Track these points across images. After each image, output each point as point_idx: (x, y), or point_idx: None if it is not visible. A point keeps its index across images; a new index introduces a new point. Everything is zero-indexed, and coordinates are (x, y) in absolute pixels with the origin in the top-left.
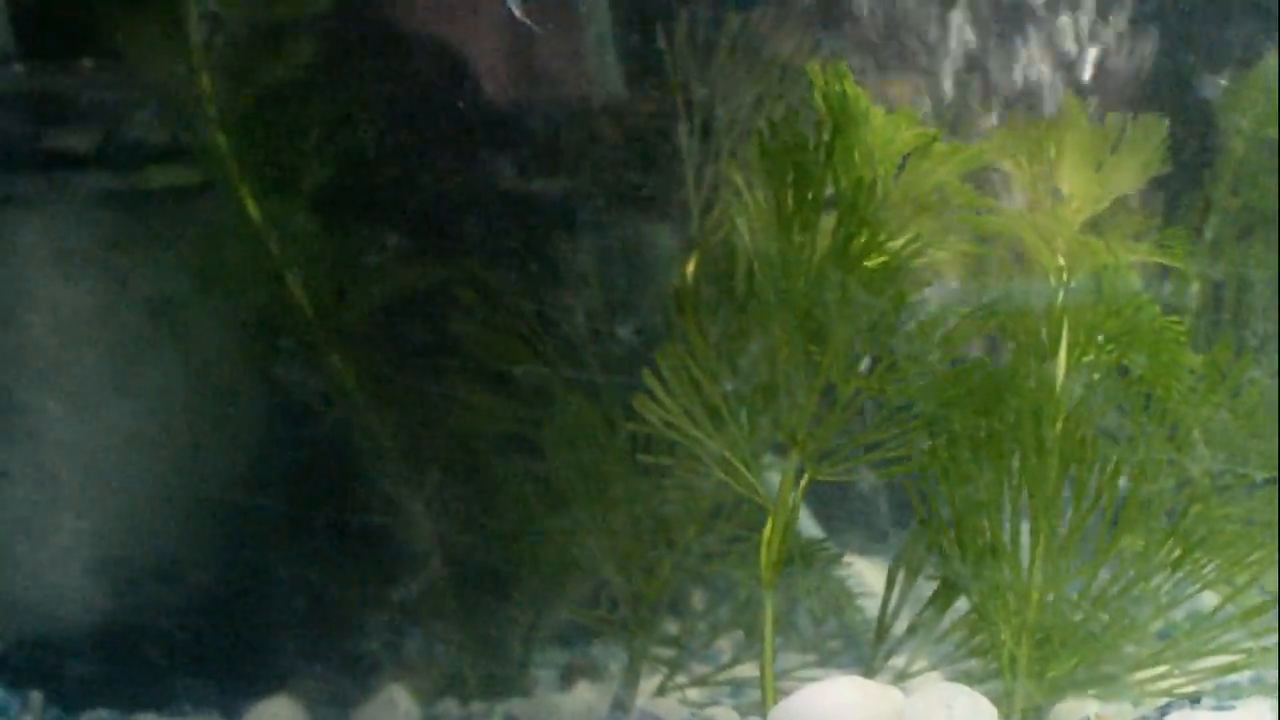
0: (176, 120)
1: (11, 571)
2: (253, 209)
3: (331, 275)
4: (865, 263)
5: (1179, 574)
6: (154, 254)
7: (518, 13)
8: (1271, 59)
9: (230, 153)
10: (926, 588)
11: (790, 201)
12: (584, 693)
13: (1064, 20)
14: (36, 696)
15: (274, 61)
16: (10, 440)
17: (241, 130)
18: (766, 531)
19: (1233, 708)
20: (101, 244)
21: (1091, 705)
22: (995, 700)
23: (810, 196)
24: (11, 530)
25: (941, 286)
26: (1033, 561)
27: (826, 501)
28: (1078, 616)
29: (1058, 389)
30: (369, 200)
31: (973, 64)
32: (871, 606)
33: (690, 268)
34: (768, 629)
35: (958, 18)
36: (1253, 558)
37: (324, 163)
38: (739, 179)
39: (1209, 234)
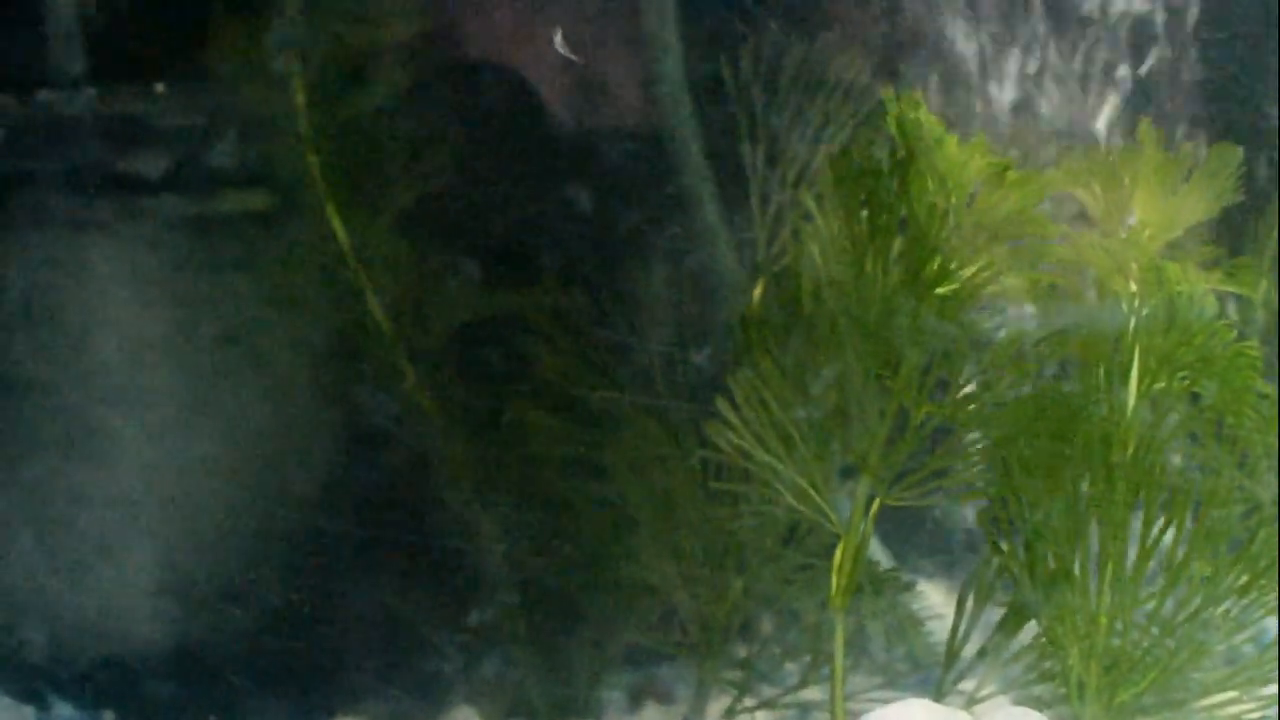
0: (260, 144)
1: (85, 593)
2: (339, 232)
3: (411, 299)
4: (937, 289)
5: (1246, 599)
6: (227, 278)
7: (559, 44)
8: None
9: (318, 176)
10: (996, 612)
11: (863, 228)
12: (652, 715)
13: (1130, 44)
14: (109, 716)
15: (362, 86)
16: (85, 463)
17: (330, 153)
18: (837, 556)
19: None
20: (174, 268)
21: None
22: None
23: (883, 223)
24: (86, 552)
25: (1012, 311)
26: (1101, 586)
27: (896, 526)
28: (1146, 642)
29: (1128, 415)
30: (449, 225)
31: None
32: (940, 630)
33: (758, 293)
34: (838, 653)
35: (1023, 42)
36: None
37: (406, 188)
38: (811, 204)
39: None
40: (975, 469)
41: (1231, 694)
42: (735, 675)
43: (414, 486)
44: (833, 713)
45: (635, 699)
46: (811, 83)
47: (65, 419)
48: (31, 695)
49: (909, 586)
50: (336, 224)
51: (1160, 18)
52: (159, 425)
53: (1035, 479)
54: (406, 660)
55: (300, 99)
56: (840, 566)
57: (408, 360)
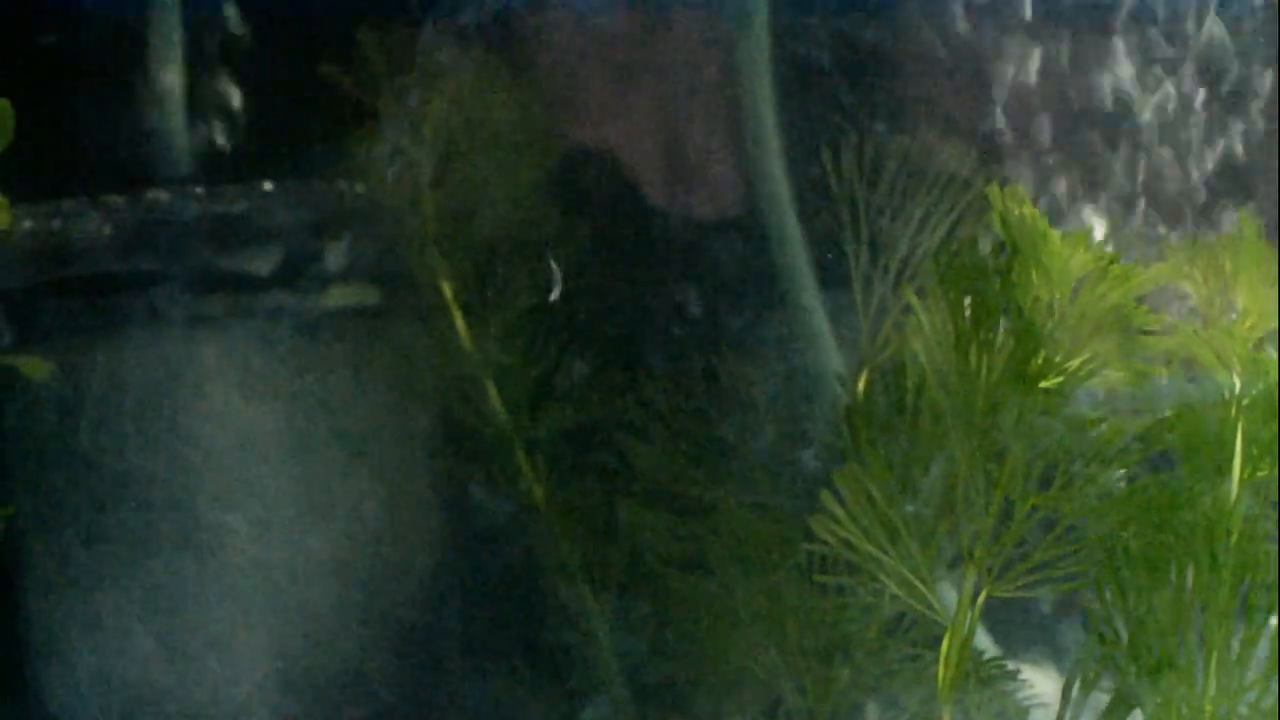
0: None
1: (200, 688)
2: (461, 330)
3: (524, 397)
4: (1041, 383)
5: None
6: (335, 372)
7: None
8: None
9: (442, 273)
10: (1101, 700)
11: (967, 322)
12: None
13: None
14: None
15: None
16: (196, 558)
17: (452, 251)
18: (944, 647)
19: None
20: (282, 363)
21: None
22: None
23: (987, 317)
24: (200, 647)
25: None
26: (1206, 675)
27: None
28: None
29: (1231, 504)
30: (562, 324)
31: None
32: (1047, 718)
33: (861, 387)
34: None
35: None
36: None
37: (525, 288)
38: (914, 300)
39: None
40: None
41: None
42: None
43: (526, 582)
44: None
45: None
46: (912, 177)
47: (179, 516)
48: None
49: (1014, 675)
50: (459, 322)
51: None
52: (271, 522)
53: (1140, 569)
54: None
55: (425, 201)
56: (947, 657)
57: (523, 457)
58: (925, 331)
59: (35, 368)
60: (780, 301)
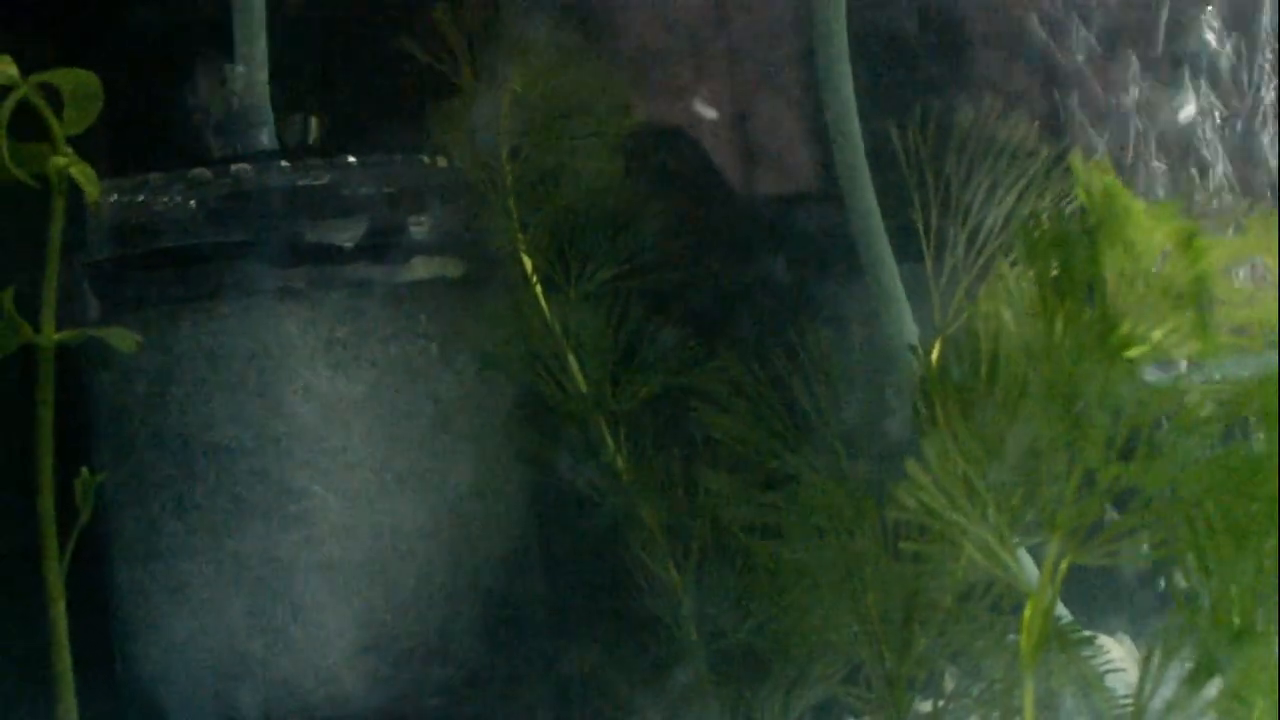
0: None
1: (284, 656)
2: (542, 301)
3: (606, 368)
4: (1125, 353)
5: None
6: (418, 343)
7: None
8: None
9: (526, 245)
10: (1182, 669)
11: (1052, 293)
12: None
13: None
14: None
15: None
16: (283, 527)
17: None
18: (1026, 614)
19: None
20: (367, 334)
21: None
22: None
23: (1072, 288)
24: (284, 615)
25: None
26: None
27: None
28: None
29: None
30: (646, 295)
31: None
32: (1122, 686)
33: (935, 355)
34: (1027, 709)
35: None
36: None
37: (609, 258)
38: (1004, 269)
39: None
40: (1162, 528)
41: None
42: None
43: (609, 551)
44: None
45: None
46: (983, 146)
47: (267, 485)
48: None
49: (1091, 642)
50: (540, 293)
51: None
52: (357, 492)
53: (1221, 537)
54: (600, 717)
55: (506, 173)
56: (1029, 624)
57: (605, 428)
58: (1008, 301)
59: (124, 339)
60: (859, 272)
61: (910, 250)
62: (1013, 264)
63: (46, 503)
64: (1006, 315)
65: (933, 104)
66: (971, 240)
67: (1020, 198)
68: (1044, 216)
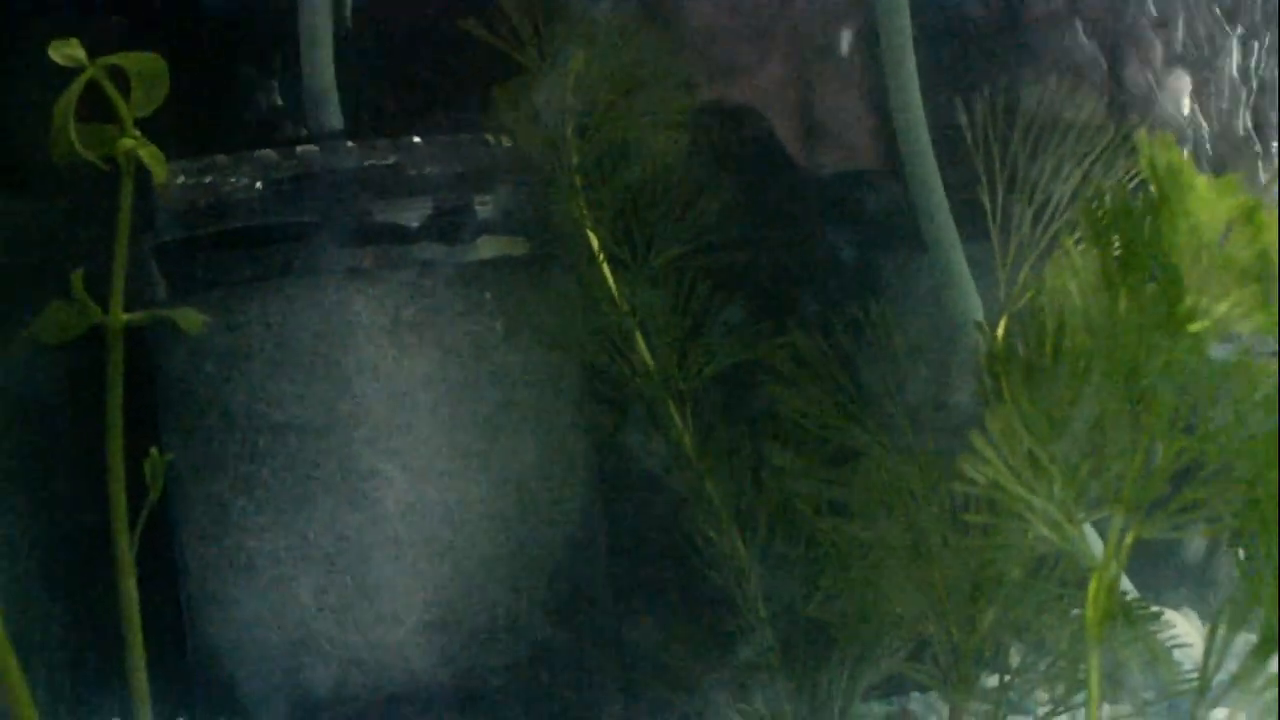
0: (525, 193)
1: (352, 633)
2: (609, 279)
3: (673, 345)
4: (1189, 327)
5: None
6: (485, 322)
7: None
8: None
9: (592, 223)
10: (1246, 641)
11: (1116, 267)
12: None
13: None
14: None
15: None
16: (351, 505)
17: (599, 201)
18: (1092, 588)
19: None
20: (434, 313)
21: None
22: None
23: (1136, 262)
24: (352, 592)
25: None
26: None
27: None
28: None
29: None
30: (713, 272)
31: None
32: (1187, 659)
33: (1000, 332)
34: (1093, 683)
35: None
36: None
37: (675, 236)
38: (1069, 245)
39: None
40: (1226, 501)
41: None
42: (986, 705)
43: (676, 527)
44: None
45: None
46: (1047, 123)
47: (334, 464)
48: None
49: (1157, 616)
50: (605, 271)
51: None
52: (425, 470)
53: None
54: (663, 693)
55: (572, 151)
56: (1095, 598)
57: (672, 405)
58: (1073, 276)
59: (192, 320)
60: (923, 248)
61: (978, 227)
62: (1077, 240)
63: (116, 482)
64: (1071, 291)
65: (997, 79)
66: (1038, 216)
67: (1087, 174)
68: (1106, 192)
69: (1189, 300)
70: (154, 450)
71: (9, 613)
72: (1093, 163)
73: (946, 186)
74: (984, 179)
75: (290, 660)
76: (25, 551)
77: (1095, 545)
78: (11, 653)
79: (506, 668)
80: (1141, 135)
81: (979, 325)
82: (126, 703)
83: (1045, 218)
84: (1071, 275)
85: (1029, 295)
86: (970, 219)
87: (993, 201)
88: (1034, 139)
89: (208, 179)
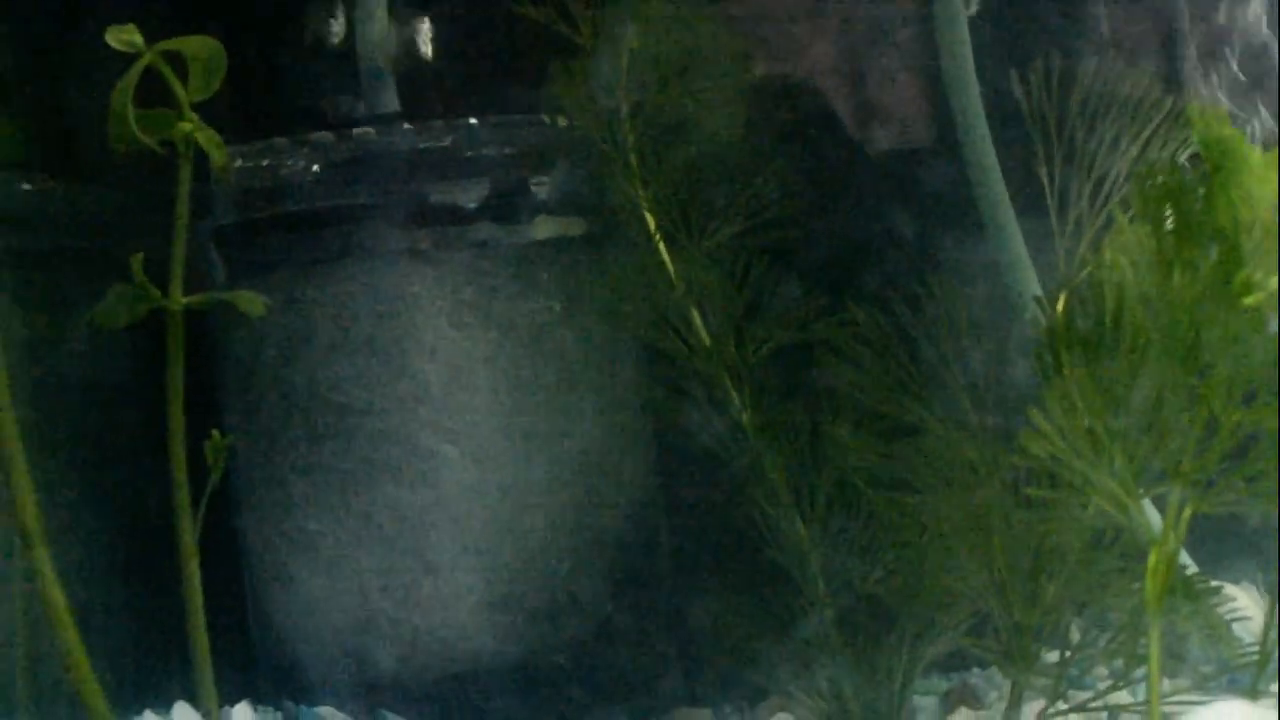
0: (581, 173)
1: (414, 613)
2: (665, 257)
3: (732, 322)
4: (1245, 300)
5: None
6: (542, 301)
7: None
8: None
9: (648, 203)
10: None
11: (1170, 242)
12: (964, 719)
13: None
14: None
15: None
16: (411, 485)
17: (655, 180)
18: (1151, 561)
19: None
20: (492, 293)
21: None
22: None
23: (1190, 236)
24: (414, 572)
25: None
26: None
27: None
28: None
29: None
30: (770, 249)
31: None
32: (1247, 633)
33: (1060, 307)
34: (1154, 657)
35: None
36: None
37: (731, 214)
38: (1121, 219)
39: None
40: None
41: None
42: (1047, 680)
43: (735, 504)
44: (1150, 715)
45: (946, 704)
46: (1104, 98)
47: (395, 445)
48: (367, 710)
49: (1217, 590)
50: (662, 250)
51: None
52: (484, 448)
53: None
54: (722, 669)
55: (628, 130)
56: (1154, 571)
57: (730, 382)
58: (1128, 252)
59: (252, 303)
60: (980, 224)
61: (1039, 202)
62: (1130, 215)
63: (178, 465)
64: (1126, 265)
65: (1052, 54)
66: (1095, 192)
67: (1145, 147)
68: (1159, 167)
69: (1244, 273)
70: (215, 432)
71: (73, 596)
72: (1150, 136)
73: (1007, 161)
74: (1041, 153)
75: (352, 640)
76: (89, 535)
77: (1154, 519)
78: (78, 636)
79: (568, 646)
80: (1193, 109)
81: (1039, 301)
82: (191, 684)
83: (1105, 192)
84: (1126, 251)
85: (1087, 271)
86: (1033, 194)
87: (1050, 176)
88: (1091, 113)
89: (265, 162)
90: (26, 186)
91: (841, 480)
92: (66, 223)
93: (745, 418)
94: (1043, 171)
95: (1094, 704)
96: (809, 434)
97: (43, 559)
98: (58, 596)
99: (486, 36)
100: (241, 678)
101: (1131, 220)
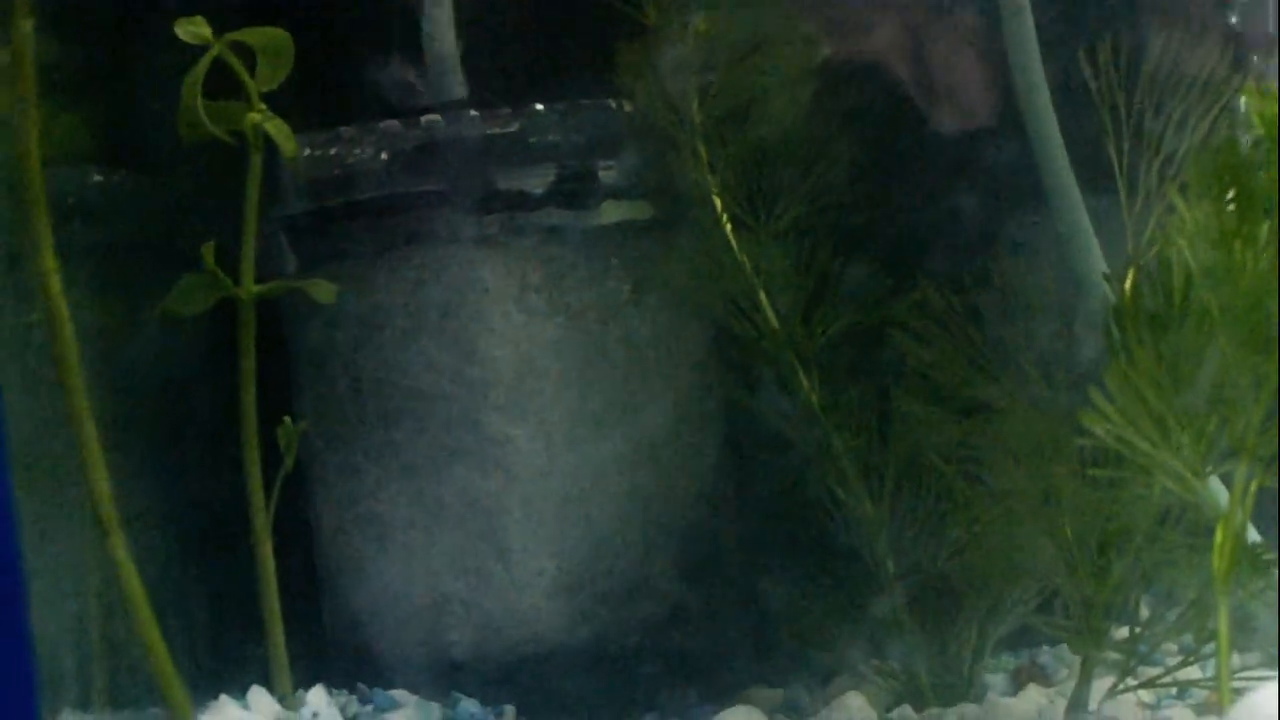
0: (648, 158)
1: (486, 595)
2: (733, 240)
3: (799, 303)
4: None
5: None
6: (610, 286)
7: None
8: None
9: (715, 186)
10: None
11: (1231, 218)
12: (1033, 697)
13: None
14: (510, 710)
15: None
16: (482, 470)
17: (723, 165)
18: (1218, 537)
19: None
20: (560, 279)
21: None
22: None
23: (1250, 212)
24: (485, 555)
25: None
26: None
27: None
28: None
29: None
30: (838, 231)
31: None
32: None
33: (1128, 285)
34: (1222, 633)
35: None
36: None
37: (798, 196)
38: (1178, 198)
39: None
40: None
41: None
42: (1116, 656)
43: (805, 484)
44: (1219, 691)
45: (1016, 681)
46: (1169, 77)
47: (465, 429)
48: (440, 693)
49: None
50: (729, 233)
51: None
52: (555, 432)
53: None
54: (792, 649)
55: (697, 114)
56: (1222, 547)
57: (798, 363)
58: (1190, 229)
59: (323, 290)
60: (1047, 204)
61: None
62: (1186, 193)
63: (251, 452)
64: (1185, 243)
65: (1119, 33)
66: (1163, 170)
67: (1211, 125)
68: (1217, 144)
69: None
70: (287, 419)
71: (150, 583)
72: (1216, 114)
73: (1074, 139)
74: (1109, 132)
75: (425, 624)
76: (164, 523)
77: (1222, 495)
78: (155, 623)
79: (639, 627)
80: (1249, 87)
81: (1108, 278)
82: (265, 669)
83: (1172, 169)
84: (1187, 229)
85: (1154, 249)
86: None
87: (1118, 155)
88: (1158, 91)
89: (334, 151)
90: (98, 178)
91: (910, 459)
92: (137, 214)
93: (813, 399)
94: (1110, 149)
95: (1163, 680)
96: (877, 414)
97: (119, 546)
98: (134, 582)
99: (553, 21)
100: (316, 662)
101: (1187, 197)
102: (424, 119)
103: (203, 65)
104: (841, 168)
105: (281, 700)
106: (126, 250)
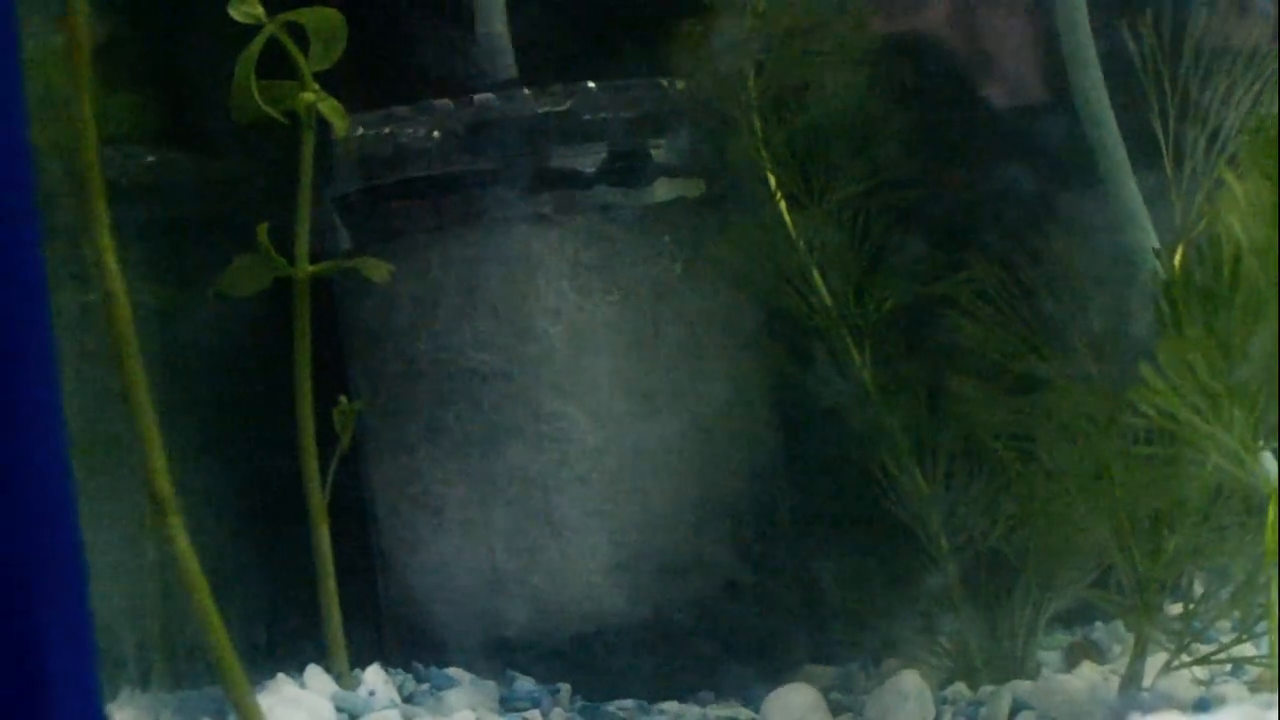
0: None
1: (541, 573)
2: (787, 217)
3: (853, 280)
4: None
5: None
6: (664, 263)
7: None
8: None
9: (769, 163)
10: None
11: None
12: (1087, 673)
13: None
14: (565, 688)
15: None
16: (536, 448)
17: (776, 142)
18: (1270, 514)
19: None
20: (613, 256)
21: None
22: None
23: None
24: (540, 533)
25: None
26: None
27: None
28: None
29: None
30: (891, 207)
31: None
32: None
33: (1178, 261)
34: (1274, 608)
35: None
36: None
37: (852, 173)
38: (1228, 174)
39: None
40: None
41: None
42: (1170, 632)
43: (859, 461)
44: (1274, 668)
45: (1070, 658)
46: (1215, 50)
47: (520, 408)
48: (496, 671)
49: None
50: (783, 210)
51: None
52: (608, 410)
53: None
54: (848, 627)
55: (752, 92)
56: (1274, 524)
57: (851, 341)
58: (1240, 204)
59: (377, 269)
60: (1098, 180)
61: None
62: (1237, 168)
63: (307, 431)
64: (1234, 218)
65: (1163, 4)
66: (1211, 144)
67: (1258, 98)
68: (1267, 119)
69: None
70: (343, 399)
71: (206, 563)
72: (1263, 87)
73: (1122, 114)
74: (1155, 107)
75: (481, 602)
76: (221, 502)
77: (1273, 471)
78: (213, 602)
79: (694, 605)
80: None
81: (1158, 254)
82: (322, 647)
83: (1220, 143)
84: (1236, 204)
85: (1204, 224)
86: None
87: (1165, 130)
88: (1205, 65)
89: (387, 130)
90: (151, 158)
91: (963, 435)
92: (191, 193)
93: (866, 375)
94: (1157, 123)
95: (1217, 656)
96: (930, 391)
97: (176, 526)
98: (192, 563)
99: None
100: (372, 640)
101: (1239, 173)
102: (476, 98)
103: (256, 45)
104: (895, 144)
105: (338, 679)
106: (181, 229)
